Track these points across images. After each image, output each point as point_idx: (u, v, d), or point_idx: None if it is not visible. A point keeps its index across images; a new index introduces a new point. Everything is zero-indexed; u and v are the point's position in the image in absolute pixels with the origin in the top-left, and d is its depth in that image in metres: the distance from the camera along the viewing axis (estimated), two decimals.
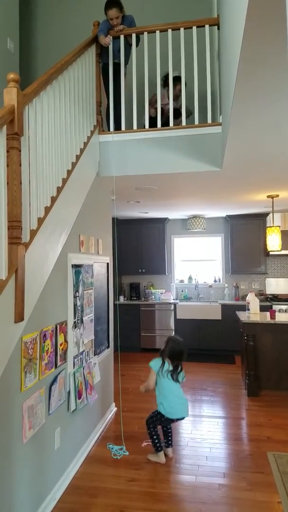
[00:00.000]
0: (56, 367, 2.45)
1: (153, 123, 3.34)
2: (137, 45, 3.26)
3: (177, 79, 3.34)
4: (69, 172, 2.65)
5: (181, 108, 3.30)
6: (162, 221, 6.52)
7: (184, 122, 3.23)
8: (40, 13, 4.41)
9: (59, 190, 2.47)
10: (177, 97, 3.50)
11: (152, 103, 3.51)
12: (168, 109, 3.26)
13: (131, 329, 6.22)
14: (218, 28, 3.09)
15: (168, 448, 2.97)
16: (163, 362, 2.88)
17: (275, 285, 6.38)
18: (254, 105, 1.97)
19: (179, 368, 2.90)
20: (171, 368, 2.86)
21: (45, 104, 2.33)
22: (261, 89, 1.79)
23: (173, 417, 2.86)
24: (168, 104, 3.36)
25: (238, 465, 2.82)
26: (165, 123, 3.31)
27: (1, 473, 1.84)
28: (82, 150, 2.91)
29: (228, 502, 2.39)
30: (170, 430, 3.01)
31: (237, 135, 2.43)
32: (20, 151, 1.94)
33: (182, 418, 2.92)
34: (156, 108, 3.33)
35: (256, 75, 1.67)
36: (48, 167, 2.33)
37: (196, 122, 3.17)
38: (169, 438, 3.00)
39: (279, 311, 5.49)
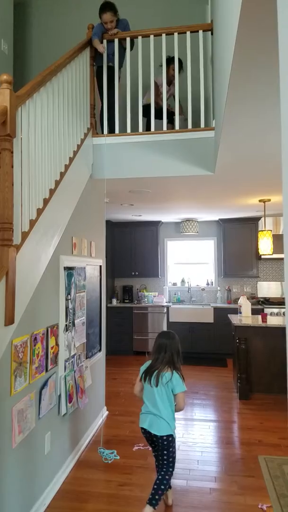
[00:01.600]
0: (46, 370, 2.43)
1: (147, 125, 3.34)
2: (131, 49, 3.27)
3: (171, 61, 3.33)
4: (62, 174, 2.64)
5: (174, 109, 3.31)
6: (156, 224, 6.53)
7: (177, 124, 3.24)
8: (34, 15, 4.41)
9: (51, 192, 2.46)
10: (171, 79, 3.49)
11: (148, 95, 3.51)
12: (161, 107, 3.26)
13: (123, 332, 6.20)
14: (212, 34, 3.12)
15: (147, 506, 2.16)
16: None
17: (267, 289, 6.42)
18: (246, 110, 1.99)
19: (157, 370, 2.35)
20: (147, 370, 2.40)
21: (38, 106, 2.32)
22: (254, 94, 1.81)
23: (140, 425, 2.36)
24: (162, 97, 3.35)
25: (229, 469, 2.82)
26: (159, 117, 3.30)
27: None
28: (75, 153, 2.90)
29: (219, 506, 2.38)
30: (157, 481, 2.26)
31: (230, 140, 2.45)
32: (12, 152, 1.93)
33: (155, 436, 2.26)
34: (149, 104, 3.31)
35: (248, 80, 1.68)
36: (40, 169, 2.32)
37: (190, 126, 3.19)
38: (152, 492, 2.21)
39: (271, 314, 5.52)
